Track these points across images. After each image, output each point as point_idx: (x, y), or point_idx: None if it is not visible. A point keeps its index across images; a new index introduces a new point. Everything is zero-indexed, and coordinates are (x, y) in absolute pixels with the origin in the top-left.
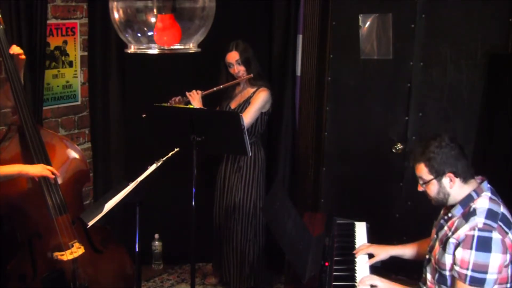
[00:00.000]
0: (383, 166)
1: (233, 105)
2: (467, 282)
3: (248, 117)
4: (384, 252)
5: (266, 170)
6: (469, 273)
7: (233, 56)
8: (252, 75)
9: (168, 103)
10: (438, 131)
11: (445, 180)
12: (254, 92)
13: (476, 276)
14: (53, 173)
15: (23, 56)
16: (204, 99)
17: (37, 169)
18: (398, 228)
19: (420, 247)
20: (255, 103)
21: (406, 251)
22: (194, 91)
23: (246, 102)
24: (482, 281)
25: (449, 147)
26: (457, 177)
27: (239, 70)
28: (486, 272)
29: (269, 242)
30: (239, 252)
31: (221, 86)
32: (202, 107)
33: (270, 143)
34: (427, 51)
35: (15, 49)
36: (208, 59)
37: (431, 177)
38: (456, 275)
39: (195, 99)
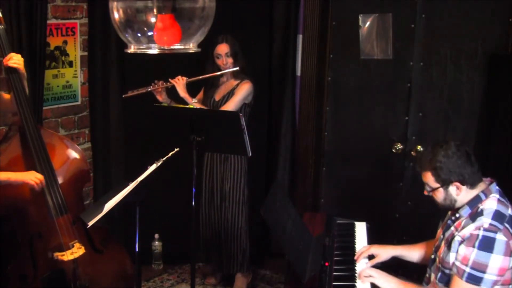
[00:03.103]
0: (383, 166)
1: (217, 97)
2: (464, 278)
3: (232, 106)
4: (385, 253)
5: (266, 170)
6: (467, 269)
7: (223, 49)
8: (238, 68)
9: (151, 86)
10: (438, 131)
11: (452, 188)
12: (238, 84)
13: (474, 273)
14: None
15: (21, 67)
16: (189, 86)
17: (26, 176)
18: (398, 228)
19: (423, 249)
20: (239, 94)
21: (408, 252)
22: (179, 77)
23: (230, 94)
24: (479, 280)
25: (456, 156)
26: (463, 185)
27: (227, 61)
28: (484, 272)
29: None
30: (233, 239)
31: (207, 76)
32: (186, 93)
33: (270, 143)
34: (427, 51)
35: (13, 61)
36: (208, 59)
37: (438, 185)
38: (455, 270)
39: (180, 85)
